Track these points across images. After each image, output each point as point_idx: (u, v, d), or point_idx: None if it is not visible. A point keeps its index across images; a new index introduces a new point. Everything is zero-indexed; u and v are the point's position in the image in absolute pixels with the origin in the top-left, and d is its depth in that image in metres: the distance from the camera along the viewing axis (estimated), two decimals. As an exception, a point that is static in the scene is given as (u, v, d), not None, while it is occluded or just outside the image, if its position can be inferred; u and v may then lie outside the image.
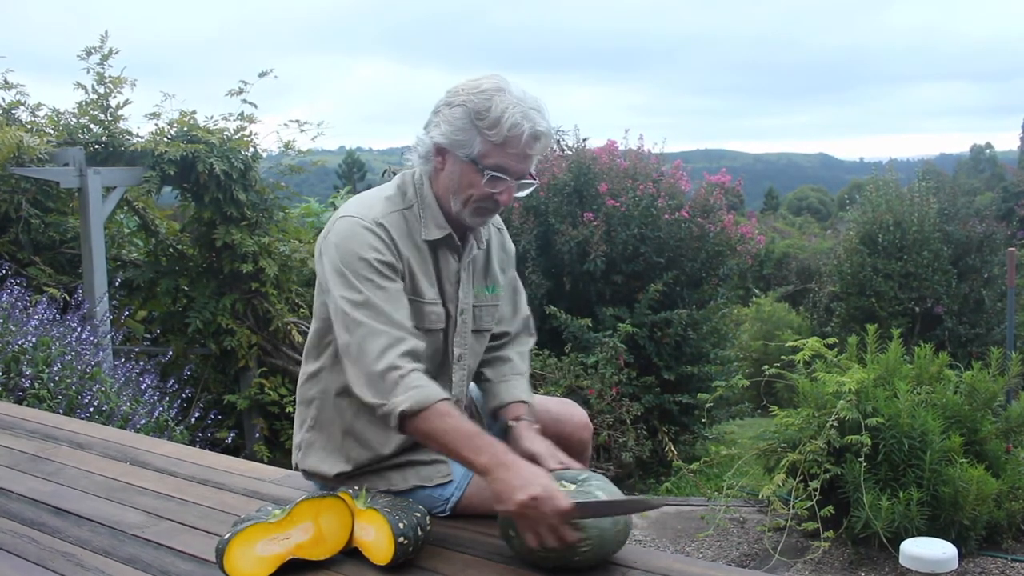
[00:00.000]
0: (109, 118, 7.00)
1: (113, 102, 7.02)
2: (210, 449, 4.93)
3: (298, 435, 2.22)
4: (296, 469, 2.24)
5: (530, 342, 2.37)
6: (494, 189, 2.00)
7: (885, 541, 3.99)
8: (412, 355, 1.91)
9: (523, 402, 2.18)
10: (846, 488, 4.23)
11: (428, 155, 2.06)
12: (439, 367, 2.13)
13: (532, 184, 2.07)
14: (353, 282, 1.95)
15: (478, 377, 2.29)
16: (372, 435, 2.06)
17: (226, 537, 1.82)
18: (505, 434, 2.09)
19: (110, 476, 2.59)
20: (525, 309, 2.38)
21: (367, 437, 2.07)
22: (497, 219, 2.31)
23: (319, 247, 2.07)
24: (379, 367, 1.88)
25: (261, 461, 5.61)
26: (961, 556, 3.30)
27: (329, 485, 2.16)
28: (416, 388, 1.86)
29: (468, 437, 1.83)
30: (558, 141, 8.94)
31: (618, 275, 7.76)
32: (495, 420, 2.21)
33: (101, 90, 6.98)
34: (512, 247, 2.35)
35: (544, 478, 1.77)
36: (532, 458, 1.91)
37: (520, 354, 2.30)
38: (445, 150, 2.02)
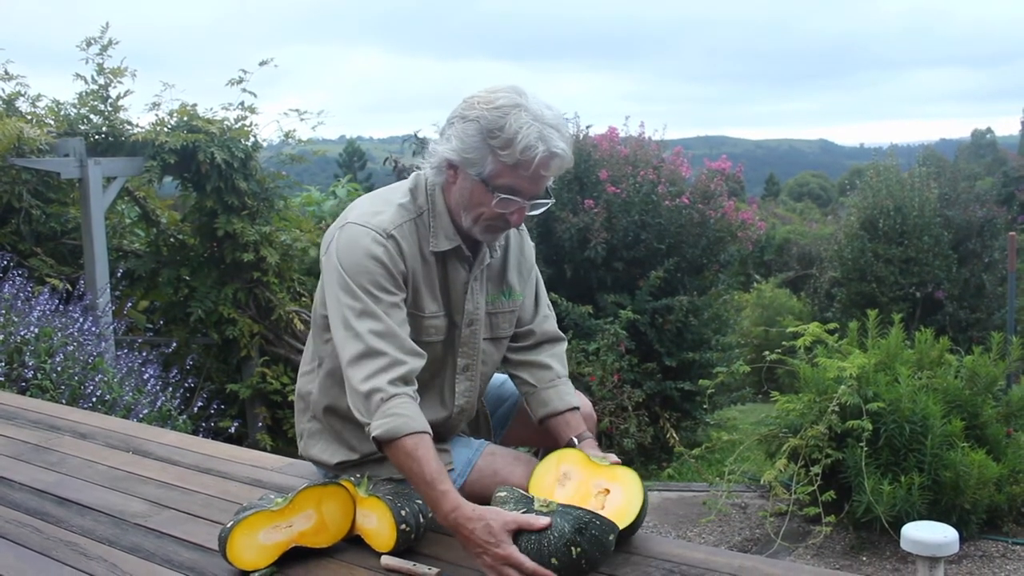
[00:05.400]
0: (109, 108, 6.99)
1: (113, 92, 7.02)
2: (213, 438, 4.94)
3: (300, 424, 2.23)
4: (301, 457, 2.26)
5: (563, 346, 2.32)
6: (505, 210, 1.95)
7: (887, 525, 4.00)
8: (403, 379, 1.89)
9: (576, 408, 2.18)
10: (847, 473, 4.24)
11: (440, 167, 2.00)
12: (436, 376, 2.11)
13: (546, 203, 2.00)
14: (356, 291, 1.92)
15: (519, 384, 2.26)
16: None
17: (229, 525, 1.83)
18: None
19: (113, 466, 2.60)
20: (549, 310, 2.33)
21: None
22: None
23: (326, 245, 2.05)
24: (364, 388, 1.87)
25: (264, 450, 5.63)
26: (962, 540, 3.31)
27: (332, 473, 2.17)
28: (392, 416, 1.84)
29: (427, 485, 1.82)
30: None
31: (619, 262, 7.75)
32: (540, 424, 2.19)
33: (101, 81, 6.97)
34: (531, 248, 2.29)
35: (492, 533, 1.74)
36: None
37: (556, 357, 2.26)
38: (457, 166, 1.96)
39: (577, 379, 6.67)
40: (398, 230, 1.98)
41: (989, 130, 52.87)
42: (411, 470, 1.84)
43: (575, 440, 2.11)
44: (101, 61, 6.94)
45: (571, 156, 1.97)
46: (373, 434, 1.85)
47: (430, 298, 2.04)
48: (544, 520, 1.74)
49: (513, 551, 1.71)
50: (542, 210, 2.02)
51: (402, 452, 1.84)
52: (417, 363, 1.94)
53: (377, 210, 2.02)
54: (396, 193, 2.07)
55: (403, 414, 1.85)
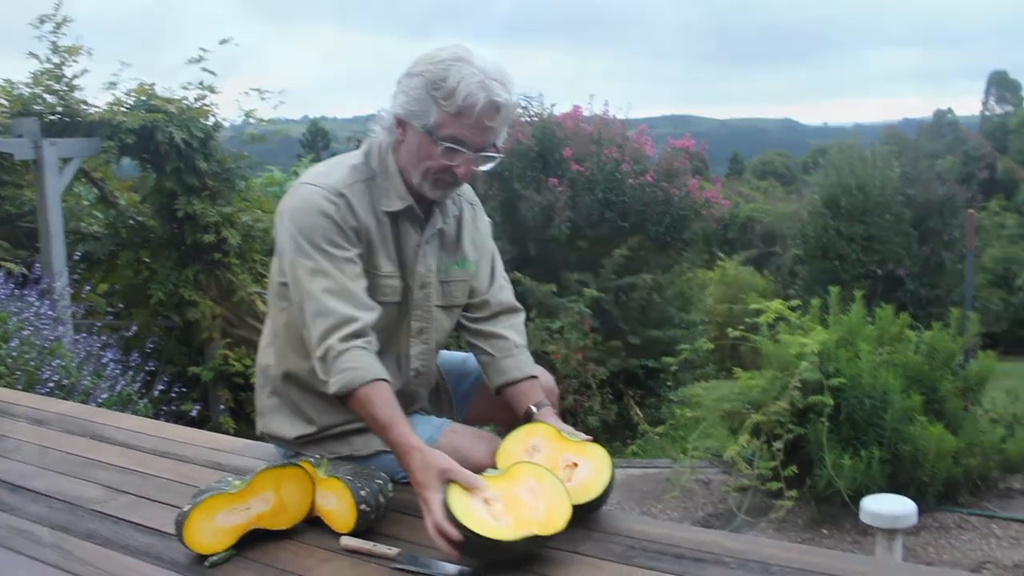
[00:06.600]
0: (64, 88, 6.85)
1: (68, 71, 6.88)
2: (175, 422, 4.89)
3: (260, 401, 2.22)
4: (259, 434, 2.24)
5: (520, 316, 2.32)
6: (451, 161, 1.96)
7: (847, 499, 4.05)
8: (355, 334, 1.93)
9: (534, 377, 2.18)
10: (809, 448, 4.29)
11: (390, 127, 2.03)
12: (391, 339, 2.12)
13: (495, 158, 2.02)
14: (308, 250, 1.96)
15: (477, 354, 2.26)
16: (329, 397, 2.05)
17: (186, 509, 1.80)
18: (527, 418, 2.10)
19: (70, 452, 2.56)
20: (506, 282, 2.34)
21: (326, 398, 2.05)
22: (471, 195, 2.28)
23: (278, 212, 2.07)
24: (319, 351, 1.93)
25: (228, 433, 5.58)
26: (920, 512, 3.36)
27: (292, 448, 2.15)
28: (344, 371, 1.89)
29: (382, 430, 1.89)
30: (525, 107, 8.88)
31: (583, 240, 7.77)
32: (498, 394, 2.20)
33: (55, 59, 6.83)
34: (487, 223, 2.32)
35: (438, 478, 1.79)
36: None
37: (513, 328, 2.27)
38: (404, 122, 1.99)
39: (541, 357, 6.67)
40: (348, 189, 2.02)
41: (950, 110, 53.44)
42: (368, 420, 1.92)
43: (533, 408, 2.11)
44: (55, 39, 6.81)
45: (514, 106, 1.99)
46: (331, 391, 1.91)
47: (385, 257, 2.06)
48: (480, 481, 1.77)
49: (432, 497, 1.74)
50: (491, 164, 2.03)
51: (358, 404, 1.90)
52: (370, 317, 1.97)
53: (329, 171, 2.06)
54: (349, 157, 2.12)
55: (354, 367, 1.89)
